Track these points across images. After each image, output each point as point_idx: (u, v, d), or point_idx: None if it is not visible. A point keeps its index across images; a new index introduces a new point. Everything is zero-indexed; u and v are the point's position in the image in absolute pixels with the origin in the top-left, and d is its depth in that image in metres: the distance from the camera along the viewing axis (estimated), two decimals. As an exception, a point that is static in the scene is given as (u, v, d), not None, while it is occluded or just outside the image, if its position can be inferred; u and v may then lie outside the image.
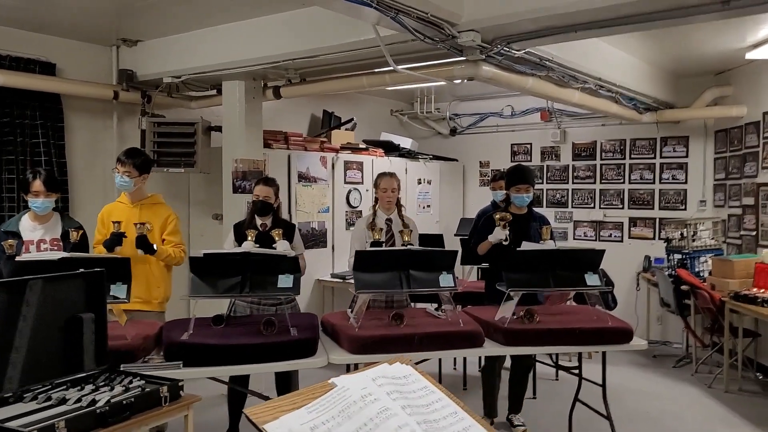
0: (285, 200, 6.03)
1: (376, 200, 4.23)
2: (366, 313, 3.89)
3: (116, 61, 5.30)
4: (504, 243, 3.95)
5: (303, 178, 6.20)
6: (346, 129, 7.40)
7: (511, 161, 8.15)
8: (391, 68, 3.86)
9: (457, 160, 8.52)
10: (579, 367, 3.97)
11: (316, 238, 6.35)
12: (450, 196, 8.31)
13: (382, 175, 4.27)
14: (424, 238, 5.49)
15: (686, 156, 7.10)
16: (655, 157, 7.27)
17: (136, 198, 3.80)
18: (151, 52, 5.14)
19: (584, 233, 7.70)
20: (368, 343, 3.24)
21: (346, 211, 6.73)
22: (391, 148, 7.45)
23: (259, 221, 3.98)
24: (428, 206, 7.82)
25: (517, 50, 3.89)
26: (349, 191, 6.73)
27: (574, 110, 7.44)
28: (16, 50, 4.75)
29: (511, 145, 8.18)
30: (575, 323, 3.55)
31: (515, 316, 3.59)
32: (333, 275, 6.36)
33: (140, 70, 5.21)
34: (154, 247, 3.63)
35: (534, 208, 4.40)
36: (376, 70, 4.37)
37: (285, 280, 3.33)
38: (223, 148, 5.03)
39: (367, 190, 6.93)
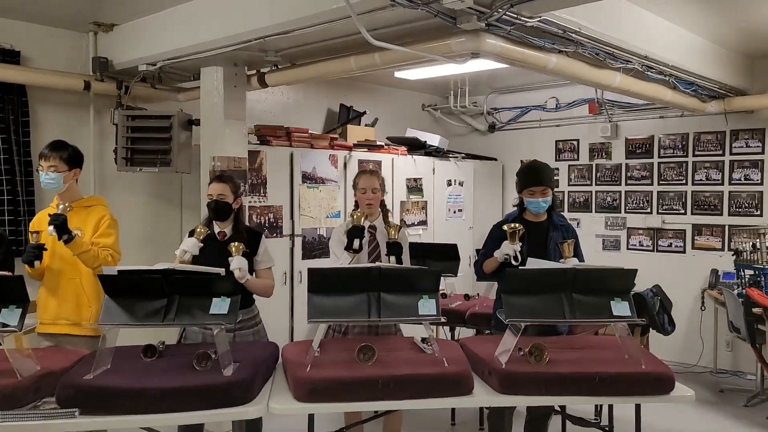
0: (286, 203, 5.43)
1: (356, 204, 3.55)
2: (337, 341, 3.22)
3: (94, 49, 4.82)
4: (513, 262, 3.19)
5: (308, 178, 5.58)
6: (366, 125, 6.74)
7: (556, 159, 7.29)
8: (377, 45, 3.18)
9: (495, 159, 7.71)
10: (609, 423, 3.15)
11: (324, 247, 5.69)
12: (486, 199, 7.50)
13: (361, 173, 3.59)
14: (430, 248, 4.77)
15: (762, 152, 6.06)
16: (723, 154, 6.26)
17: (67, 200, 3.24)
18: (126, 37, 4.63)
19: (639, 242, 6.75)
20: (318, 388, 2.55)
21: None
22: (416, 146, 6.73)
23: (216, 228, 3.36)
24: (459, 210, 7.05)
25: (529, 17, 3.12)
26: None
27: (627, 101, 6.53)
28: (-25, 37, 4.33)
29: (556, 141, 7.31)
30: (596, 365, 2.74)
31: (521, 352, 2.82)
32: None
33: (116, 57, 4.71)
34: (74, 233, 3.06)
35: (555, 215, 3.59)
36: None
37: (219, 305, 2.69)
38: (201, 144, 4.45)
39: (386, 192, 6.22)
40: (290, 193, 5.47)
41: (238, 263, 3.13)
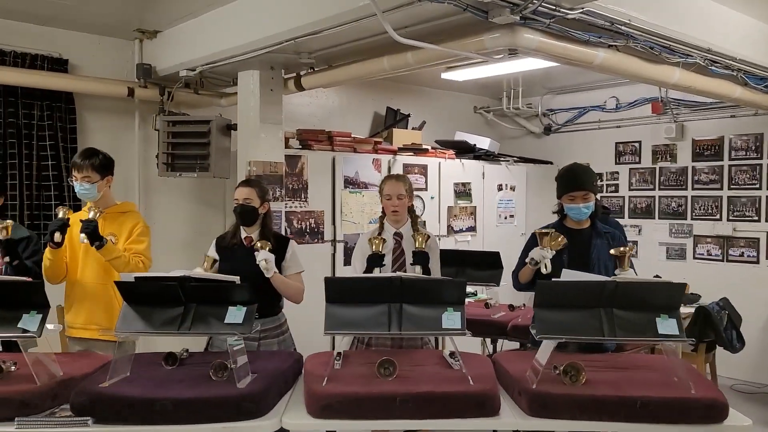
0: (328, 209, 5.36)
1: (383, 211, 3.41)
2: (362, 353, 3.10)
3: (139, 56, 4.88)
4: (542, 270, 2.98)
5: (351, 183, 5.49)
6: (413, 128, 6.60)
7: (616, 163, 6.95)
8: (404, 43, 3.04)
9: (551, 163, 7.41)
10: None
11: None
12: (540, 204, 7.18)
13: (387, 178, 3.45)
14: (471, 256, 4.58)
15: None
16: (801, 156, 5.79)
17: (101, 206, 3.25)
18: (168, 43, 4.68)
19: (707, 251, 6.32)
20: (332, 404, 2.43)
21: (407, 222, 5.91)
22: (465, 149, 6.54)
23: (243, 233, 3.30)
24: (511, 216, 6.81)
25: (569, 8, 2.91)
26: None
27: (694, 99, 6.14)
28: (24, 46, 4.44)
29: (616, 144, 6.96)
30: (638, 388, 2.50)
31: (555, 371, 2.62)
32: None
33: (159, 63, 4.76)
34: (105, 240, 3.06)
35: (599, 221, 3.35)
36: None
37: (234, 314, 2.61)
38: (238, 149, 4.43)
39: (432, 198, 6.09)
40: (332, 198, 5.39)
41: (263, 256, 3.05)
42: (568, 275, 2.78)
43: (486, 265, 4.36)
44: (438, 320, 2.61)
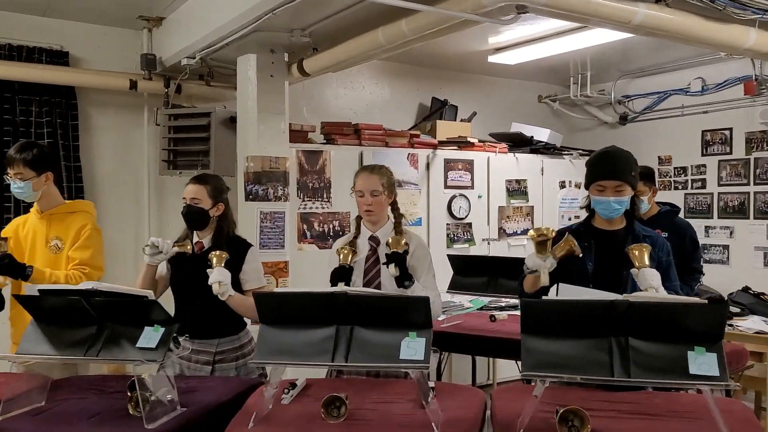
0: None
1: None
2: (328, 382, 2.59)
3: (148, 47, 4.61)
4: (541, 282, 2.35)
5: (381, 181, 4.96)
6: (462, 120, 5.99)
7: (703, 154, 6.03)
8: (394, 4, 2.52)
9: (627, 156, 6.55)
10: None
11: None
12: (614, 203, 6.38)
13: (360, 170, 2.92)
14: (502, 263, 3.93)
15: None
16: None
17: (45, 206, 2.92)
18: (171, 30, 4.37)
19: (816, 258, 5.30)
20: (249, 454, 1.94)
21: (449, 224, 5.35)
22: (521, 142, 5.86)
23: (195, 238, 2.86)
24: (576, 218, 6.01)
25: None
26: (453, 198, 5.33)
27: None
28: (20, 38, 4.26)
29: (702, 132, 6.03)
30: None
31: (557, 416, 2.00)
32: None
33: (164, 53, 4.45)
34: (27, 269, 2.70)
35: (642, 221, 2.67)
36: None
37: (149, 337, 2.17)
38: (237, 142, 4.03)
39: (479, 197, 5.47)
40: (360, 198, 4.89)
41: (217, 276, 2.60)
42: (567, 292, 2.14)
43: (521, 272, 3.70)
44: (395, 348, 2.05)
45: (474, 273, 4.06)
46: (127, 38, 4.66)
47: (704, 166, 6.00)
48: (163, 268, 2.85)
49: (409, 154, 5.14)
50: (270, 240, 3.90)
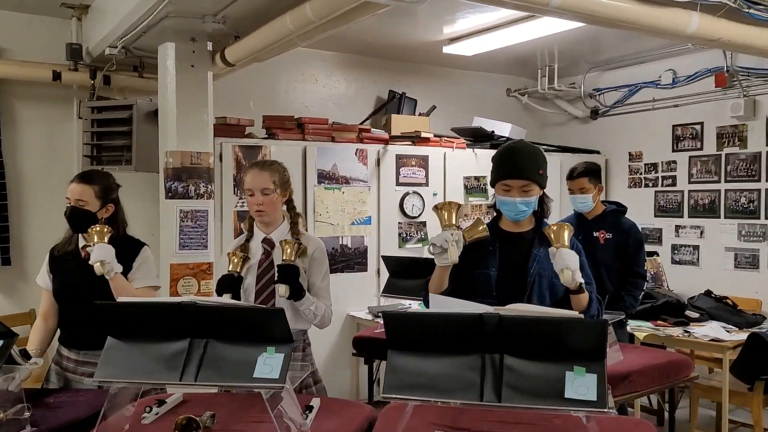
0: (299, 207, 4.63)
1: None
2: (195, 399, 2.38)
3: (77, 37, 4.40)
4: (440, 261, 2.15)
5: (327, 178, 4.77)
6: (420, 114, 5.77)
7: (674, 150, 5.79)
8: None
9: (597, 152, 6.34)
10: None
11: (348, 259, 4.85)
12: (582, 201, 6.15)
13: (249, 167, 2.70)
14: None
15: None
16: None
17: None
18: (94, 18, 4.15)
19: (788, 258, 5.07)
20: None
21: (401, 223, 5.13)
22: (482, 138, 5.64)
23: (82, 242, 2.65)
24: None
25: None
26: (405, 195, 5.11)
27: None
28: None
29: (673, 126, 5.80)
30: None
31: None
32: (370, 310, 4.81)
33: (90, 43, 4.25)
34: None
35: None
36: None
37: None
38: (159, 137, 3.81)
39: (435, 194, 5.25)
40: (303, 196, 4.70)
41: (98, 254, 2.37)
42: (438, 303, 1.92)
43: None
44: (251, 365, 1.84)
45: (410, 275, 3.87)
46: (55, 28, 4.45)
47: (675, 162, 5.77)
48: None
49: (357, 149, 4.92)
50: (191, 240, 3.70)
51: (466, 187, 5.43)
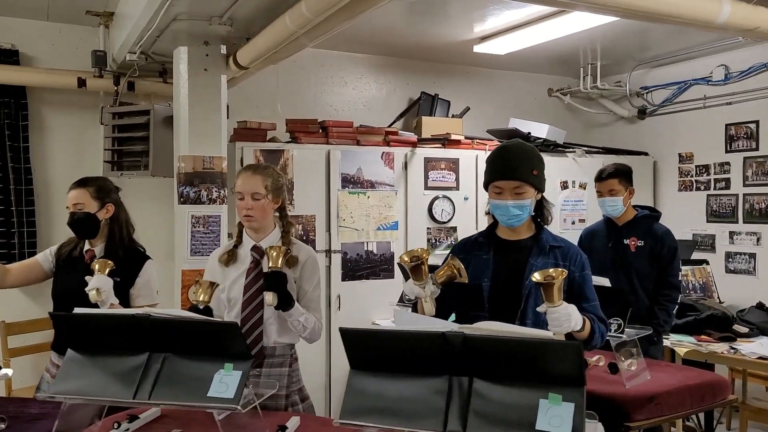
0: (320, 213, 4.56)
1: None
2: (171, 415, 2.29)
3: (104, 44, 4.44)
4: (425, 312, 1.98)
5: (351, 182, 4.66)
6: (453, 116, 5.59)
7: (727, 150, 5.41)
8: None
9: (645, 154, 6.00)
10: None
11: (374, 265, 4.73)
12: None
13: (242, 169, 2.58)
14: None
15: None
16: None
17: None
18: (117, 25, 4.17)
19: None
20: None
21: (430, 228, 4.97)
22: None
23: (87, 245, 2.64)
24: (581, 221, 5.53)
25: None
26: (434, 200, 4.95)
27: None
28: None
29: (726, 126, 5.41)
30: None
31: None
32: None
33: (113, 49, 4.27)
34: None
35: (548, 228, 2.25)
36: None
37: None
38: (174, 142, 3.79)
39: (466, 199, 5.07)
40: (326, 201, 4.60)
41: (96, 283, 2.34)
42: (403, 319, 1.76)
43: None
44: (207, 382, 1.73)
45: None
46: (83, 35, 4.51)
47: (728, 163, 5.38)
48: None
49: (383, 152, 4.79)
50: (203, 246, 3.64)
51: (499, 191, 5.20)
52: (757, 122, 5.19)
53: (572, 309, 1.92)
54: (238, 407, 1.66)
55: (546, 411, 1.46)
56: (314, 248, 4.55)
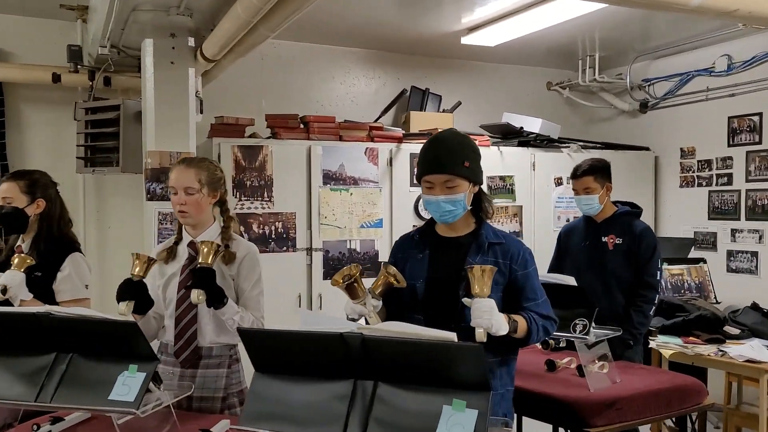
0: (301, 210, 4.48)
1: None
2: (100, 420, 2.21)
3: (81, 38, 4.42)
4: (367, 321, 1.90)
5: (333, 178, 4.57)
6: (444, 111, 5.48)
7: (729, 144, 5.23)
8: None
9: (647, 149, 5.82)
10: None
11: (358, 264, 4.61)
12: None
13: (175, 163, 2.51)
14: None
15: None
16: None
17: None
18: (90, 17, 4.13)
19: None
20: None
21: (416, 226, 4.81)
22: (510, 134, 5.29)
23: (18, 241, 2.58)
24: (576, 218, 5.34)
25: None
26: (420, 197, 4.80)
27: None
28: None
29: (729, 118, 5.22)
30: None
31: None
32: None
33: (87, 42, 4.24)
34: None
35: (492, 224, 2.15)
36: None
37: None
38: (142, 137, 3.73)
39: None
40: (307, 198, 4.52)
41: (6, 279, 2.25)
42: (308, 320, 1.67)
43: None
44: (108, 385, 1.66)
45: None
46: (62, 30, 4.48)
47: (730, 158, 5.20)
48: None
49: (367, 148, 4.69)
50: (171, 244, 3.58)
51: (490, 187, 5.08)
52: (760, 114, 4.99)
53: (490, 305, 1.81)
54: (137, 411, 1.58)
55: (448, 419, 1.36)
56: (294, 247, 4.51)
